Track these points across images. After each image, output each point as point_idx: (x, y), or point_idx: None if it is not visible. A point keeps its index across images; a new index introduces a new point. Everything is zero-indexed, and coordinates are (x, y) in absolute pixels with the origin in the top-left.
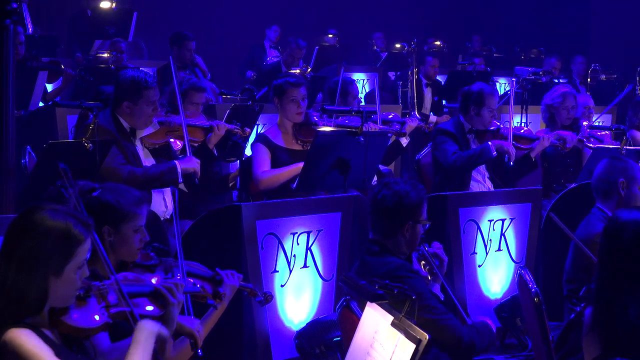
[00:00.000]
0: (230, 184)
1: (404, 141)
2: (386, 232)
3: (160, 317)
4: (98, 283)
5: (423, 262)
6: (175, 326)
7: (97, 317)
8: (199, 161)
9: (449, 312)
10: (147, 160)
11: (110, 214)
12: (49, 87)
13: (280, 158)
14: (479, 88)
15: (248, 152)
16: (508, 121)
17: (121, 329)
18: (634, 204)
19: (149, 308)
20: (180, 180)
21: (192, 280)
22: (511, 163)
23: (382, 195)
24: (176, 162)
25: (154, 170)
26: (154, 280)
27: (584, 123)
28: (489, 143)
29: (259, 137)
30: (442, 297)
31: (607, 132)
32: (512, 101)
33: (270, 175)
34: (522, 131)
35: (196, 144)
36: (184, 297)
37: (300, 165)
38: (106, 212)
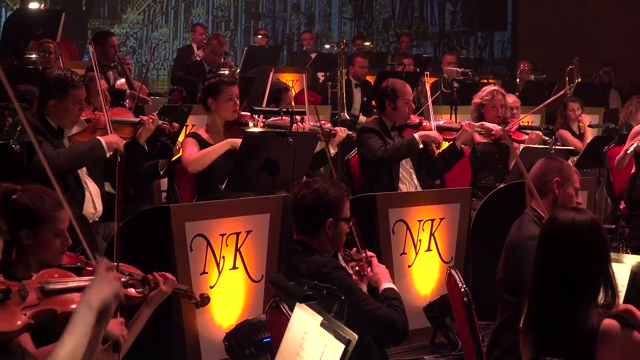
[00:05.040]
0: (161, 171)
1: (331, 151)
2: (309, 231)
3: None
4: (17, 284)
5: (351, 264)
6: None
7: (18, 319)
8: (121, 139)
9: (376, 301)
10: None
11: (27, 217)
12: None
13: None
14: (391, 82)
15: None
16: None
17: (46, 330)
18: (569, 205)
19: (76, 301)
20: (108, 154)
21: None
22: (440, 150)
23: (302, 194)
24: (99, 137)
25: (81, 147)
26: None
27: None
28: (415, 135)
29: (191, 134)
30: None
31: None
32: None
33: (197, 155)
34: (443, 122)
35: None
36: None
37: (227, 141)
38: (23, 216)
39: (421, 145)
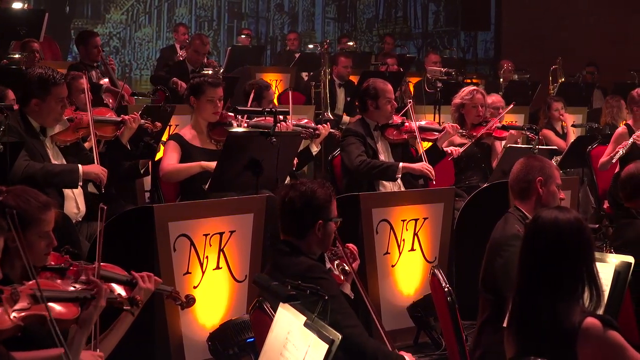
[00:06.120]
0: (142, 170)
1: (314, 149)
2: (297, 233)
3: (76, 321)
4: (9, 288)
5: (337, 261)
6: (92, 328)
7: (8, 319)
8: (105, 170)
9: (357, 319)
10: (58, 161)
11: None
12: None
13: (196, 159)
14: (372, 82)
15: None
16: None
17: (34, 335)
18: (553, 203)
19: (64, 312)
20: (80, 183)
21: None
22: (434, 182)
23: (289, 197)
24: (79, 165)
25: (53, 167)
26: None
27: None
28: (400, 165)
29: (173, 135)
30: (352, 295)
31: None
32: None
33: (170, 169)
34: (425, 123)
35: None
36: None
37: (199, 163)
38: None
39: (399, 175)
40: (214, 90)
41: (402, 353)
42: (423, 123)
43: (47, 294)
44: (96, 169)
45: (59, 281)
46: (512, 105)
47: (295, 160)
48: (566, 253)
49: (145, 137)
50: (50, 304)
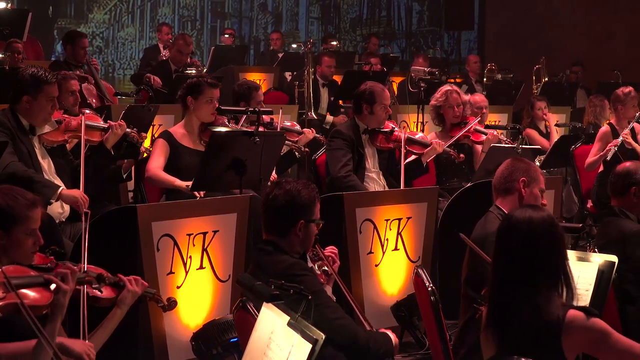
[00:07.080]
0: (124, 175)
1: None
2: (279, 231)
3: (49, 305)
4: None
5: (318, 263)
6: (64, 312)
7: None
8: (86, 197)
9: (343, 311)
10: (44, 160)
11: (0, 217)
12: None
13: (185, 159)
14: (370, 86)
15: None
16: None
17: (14, 326)
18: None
19: (37, 297)
20: (53, 201)
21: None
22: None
23: (274, 194)
24: (61, 187)
25: (37, 176)
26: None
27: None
28: None
29: (163, 133)
30: (334, 298)
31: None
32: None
33: (153, 174)
34: (417, 137)
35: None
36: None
37: (173, 182)
38: None
39: None
40: (213, 90)
41: (384, 330)
42: (416, 137)
43: (16, 281)
44: (76, 193)
45: None
46: (479, 117)
47: (274, 177)
48: (539, 249)
49: (129, 136)
50: (24, 291)
